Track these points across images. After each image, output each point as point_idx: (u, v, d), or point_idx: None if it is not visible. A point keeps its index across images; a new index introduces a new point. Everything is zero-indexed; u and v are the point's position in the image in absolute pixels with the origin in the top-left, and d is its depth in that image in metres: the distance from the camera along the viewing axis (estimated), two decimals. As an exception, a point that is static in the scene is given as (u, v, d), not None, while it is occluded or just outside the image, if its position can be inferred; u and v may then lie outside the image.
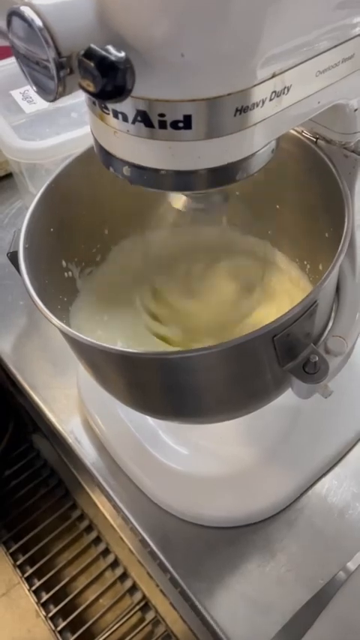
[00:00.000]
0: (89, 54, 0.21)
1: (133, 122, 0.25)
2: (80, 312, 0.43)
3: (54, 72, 0.22)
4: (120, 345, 0.41)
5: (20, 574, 1.09)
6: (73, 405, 0.52)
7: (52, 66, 0.22)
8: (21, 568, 1.09)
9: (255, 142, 0.27)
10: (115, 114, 0.25)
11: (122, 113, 0.25)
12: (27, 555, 1.10)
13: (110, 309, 0.44)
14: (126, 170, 0.28)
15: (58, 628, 1.03)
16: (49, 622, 1.03)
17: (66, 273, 0.42)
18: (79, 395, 0.51)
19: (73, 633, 1.03)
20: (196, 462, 0.45)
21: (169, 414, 0.39)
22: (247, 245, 0.47)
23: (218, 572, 0.43)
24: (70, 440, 0.50)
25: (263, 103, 0.26)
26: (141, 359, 0.31)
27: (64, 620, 1.04)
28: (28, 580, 1.08)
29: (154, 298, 0.42)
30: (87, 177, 0.41)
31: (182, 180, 0.27)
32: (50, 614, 1.04)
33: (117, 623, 1.00)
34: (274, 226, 0.46)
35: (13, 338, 0.57)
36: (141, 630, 0.99)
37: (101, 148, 0.28)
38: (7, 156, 0.53)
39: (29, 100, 0.56)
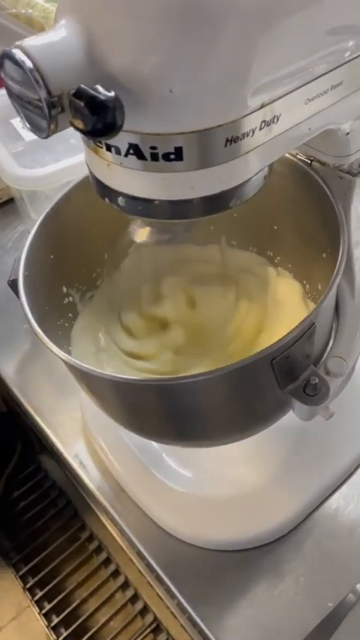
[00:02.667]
0: (79, 94, 0.21)
1: (126, 155, 0.26)
2: (81, 336, 0.43)
3: (45, 111, 0.22)
4: (120, 368, 0.41)
5: (30, 597, 1.08)
6: (78, 429, 0.52)
7: (43, 105, 0.22)
8: (31, 591, 1.08)
9: (247, 170, 0.27)
10: (108, 147, 0.26)
11: (115, 147, 0.26)
12: (37, 578, 1.09)
13: (112, 332, 0.45)
14: (121, 201, 0.28)
15: (70, 653, 1.02)
16: (61, 647, 1.02)
17: (66, 299, 0.43)
18: (82, 419, 0.51)
19: (84, 657, 1.01)
20: (201, 484, 0.45)
21: (171, 438, 0.39)
22: (246, 264, 0.47)
23: (226, 597, 0.43)
24: (75, 464, 0.50)
25: (253, 132, 0.26)
26: (139, 385, 0.31)
27: (74, 644, 1.03)
28: (38, 603, 1.07)
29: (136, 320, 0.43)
30: (85, 204, 0.41)
31: (176, 209, 0.28)
32: (61, 638, 1.03)
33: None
34: (273, 247, 0.46)
35: (17, 361, 0.58)
36: (154, 653, 0.98)
37: (96, 179, 0.29)
38: (7, 183, 0.54)
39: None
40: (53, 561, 1.10)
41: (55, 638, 1.03)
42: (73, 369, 0.34)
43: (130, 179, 0.27)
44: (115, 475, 0.47)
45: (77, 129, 0.22)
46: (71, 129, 0.24)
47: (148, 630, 1.00)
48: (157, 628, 1.00)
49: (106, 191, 0.29)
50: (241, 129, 0.25)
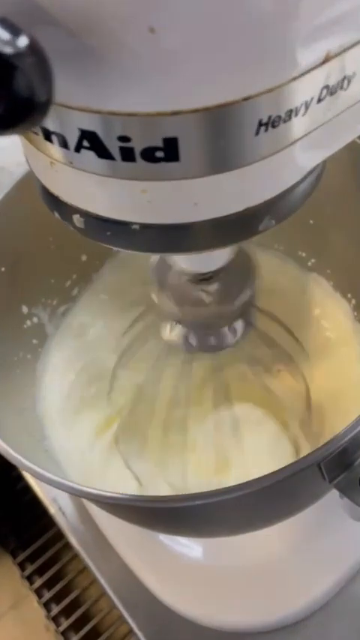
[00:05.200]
0: None
1: (77, 149, 0.14)
2: (54, 370, 0.33)
3: None
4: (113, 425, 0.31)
5: (29, 584, 1.03)
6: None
7: None
8: (29, 579, 1.03)
9: (291, 172, 0.16)
10: (47, 135, 0.15)
11: (59, 135, 0.14)
12: (36, 565, 1.04)
13: (97, 361, 0.34)
14: (77, 220, 0.17)
15: (70, 643, 0.97)
16: (61, 637, 0.98)
17: (28, 321, 0.32)
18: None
19: (86, 647, 0.97)
20: (210, 553, 0.35)
21: (186, 536, 0.29)
22: (275, 269, 0.36)
23: None
24: (53, 510, 0.41)
25: (307, 106, 0.14)
26: (150, 508, 0.21)
27: (76, 633, 0.98)
28: (38, 592, 1.02)
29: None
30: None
31: (169, 238, 0.16)
32: (62, 629, 0.98)
33: (132, 635, 0.94)
34: (307, 246, 0.35)
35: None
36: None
37: (40, 184, 0.18)
38: None
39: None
40: (52, 547, 1.04)
41: (55, 627, 0.99)
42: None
43: (89, 188, 0.15)
44: (103, 529, 0.38)
45: None
46: None
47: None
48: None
49: (55, 203, 0.17)
50: (288, 103, 0.14)
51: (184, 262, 0.21)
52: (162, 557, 0.36)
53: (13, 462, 0.22)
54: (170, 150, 0.14)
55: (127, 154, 0.14)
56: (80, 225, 0.17)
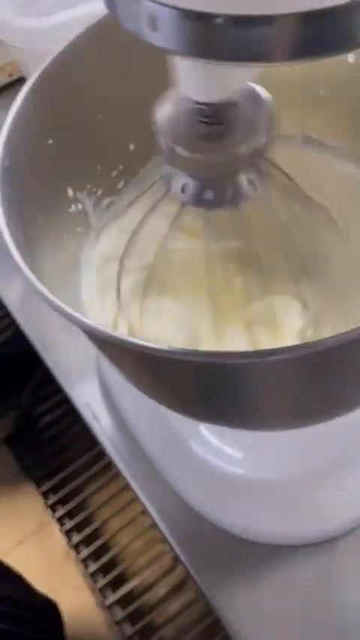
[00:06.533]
0: None
1: None
2: (96, 263, 0.31)
3: None
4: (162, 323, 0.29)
5: (52, 513, 1.06)
6: (91, 371, 0.42)
7: None
8: (53, 508, 1.06)
9: None
10: None
11: None
12: (59, 495, 1.06)
13: (140, 254, 0.32)
14: (148, 19, 0.15)
15: (90, 571, 1.00)
16: (81, 564, 1.01)
17: (73, 206, 0.30)
18: (97, 361, 0.41)
19: (104, 576, 1.00)
20: (248, 463, 0.34)
21: (220, 422, 0.27)
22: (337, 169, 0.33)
23: (260, 598, 0.33)
24: (87, 416, 0.40)
25: None
26: (184, 361, 0.19)
27: (94, 562, 1.02)
28: (60, 520, 1.05)
29: None
30: (102, 63, 0.28)
31: (255, 39, 0.14)
32: (82, 557, 1.01)
33: (149, 567, 0.97)
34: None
35: (20, 287, 0.47)
36: (174, 576, 0.96)
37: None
38: (3, 40, 0.40)
39: None
40: (76, 479, 1.07)
41: (75, 555, 1.01)
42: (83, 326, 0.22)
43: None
44: (136, 435, 0.37)
45: None
46: None
47: (169, 556, 0.97)
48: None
49: None
50: None
51: (194, 87, 0.20)
52: (199, 467, 0.35)
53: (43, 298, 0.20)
54: None
55: None
56: (150, 29, 0.15)
